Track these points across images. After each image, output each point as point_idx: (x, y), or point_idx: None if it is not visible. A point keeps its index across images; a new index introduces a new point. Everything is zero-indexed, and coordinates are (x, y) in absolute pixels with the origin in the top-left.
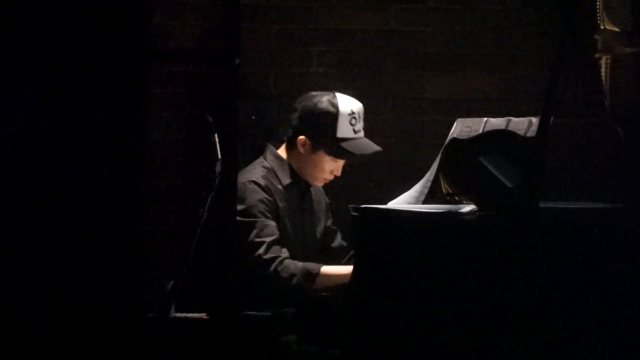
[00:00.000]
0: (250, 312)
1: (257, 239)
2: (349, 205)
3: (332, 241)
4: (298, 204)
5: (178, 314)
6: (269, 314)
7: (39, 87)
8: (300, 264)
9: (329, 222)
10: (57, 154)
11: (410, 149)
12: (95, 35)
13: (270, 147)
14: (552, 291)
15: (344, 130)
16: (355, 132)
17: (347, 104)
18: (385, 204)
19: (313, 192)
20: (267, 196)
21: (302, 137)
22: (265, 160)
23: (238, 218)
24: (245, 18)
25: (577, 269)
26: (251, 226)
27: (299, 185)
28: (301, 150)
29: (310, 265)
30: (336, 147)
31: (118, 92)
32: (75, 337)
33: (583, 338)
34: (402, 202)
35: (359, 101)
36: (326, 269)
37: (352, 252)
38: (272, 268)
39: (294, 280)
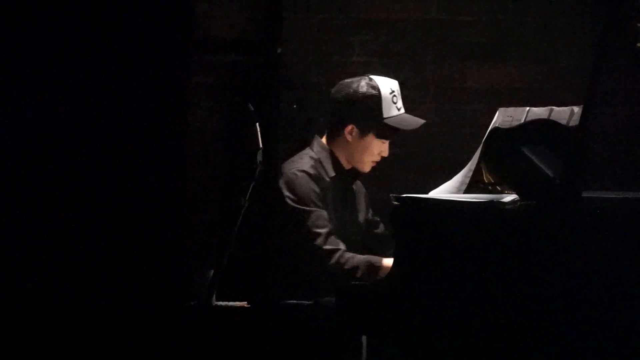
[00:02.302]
0: (291, 301)
1: (314, 229)
2: (391, 195)
3: (377, 228)
4: (342, 196)
5: (219, 303)
6: (310, 302)
7: (84, 77)
8: (362, 257)
9: (370, 214)
10: (101, 144)
11: (452, 138)
12: (138, 25)
13: (318, 139)
14: (595, 281)
15: (388, 110)
16: (397, 109)
17: (385, 84)
18: (427, 193)
19: (354, 185)
20: (318, 186)
21: (349, 125)
22: (313, 151)
23: (291, 204)
24: (286, 8)
25: (619, 258)
26: (306, 216)
27: (344, 177)
28: (349, 138)
29: (373, 258)
30: (384, 128)
31: (160, 82)
32: (119, 324)
33: (627, 325)
34: (444, 191)
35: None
36: (387, 261)
37: None
38: (333, 260)
39: (359, 274)
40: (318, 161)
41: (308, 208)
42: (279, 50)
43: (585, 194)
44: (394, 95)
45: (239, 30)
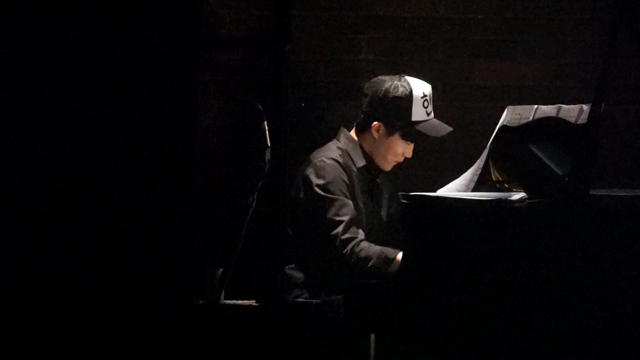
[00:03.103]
0: (299, 300)
1: (336, 218)
2: (399, 193)
3: (397, 223)
4: (368, 187)
5: (228, 301)
6: (318, 301)
7: (91, 75)
8: (378, 248)
9: (393, 208)
10: (110, 141)
11: (461, 136)
12: (147, 23)
13: (344, 130)
14: (604, 278)
15: (417, 113)
16: (427, 114)
17: (419, 87)
18: (435, 191)
19: (380, 179)
20: (346, 175)
21: (376, 122)
22: (339, 142)
23: (317, 191)
24: (295, 5)
25: (628, 256)
26: (330, 203)
27: (371, 169)
28: (375, 135)
29: (388, 250)
30: (411, 131)
31: (169, 80)
32: (127, 323)
33: (637, 321)
34: (452, 189)
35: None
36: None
37: None
38: (348, 248)
39: (370, 263)
40: (345, 152)
41: (333, 196)
42: (287, 48)
43: (593, 192)
44: (425, 100)
45: (247, 28)
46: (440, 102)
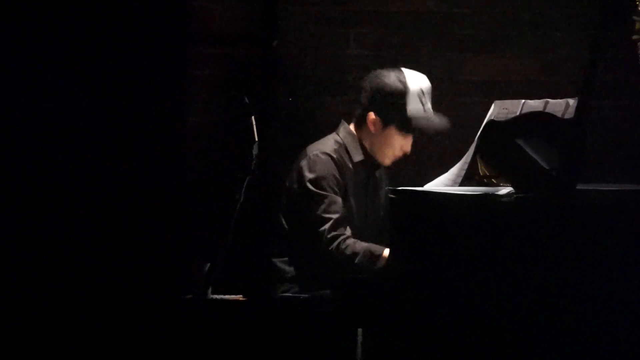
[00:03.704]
0: (286, 294)
1: (324, 215)
2: (387, 188)
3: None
4: (364, 182)
5: (215, 296)
6: (305, 295)
7: (79, 70)
8: (364, 244)
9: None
10: (98, 137)
11: (448, 130)
12: (135, 18)
13: (344, 124)
14: (591, 273)
15: (413, 107)
16: (424, 107)
17: (416, 81)
18: (423, 186)
19: (378, 174)
20: (338, 171)
21: (372, 115)
22: (339, 135)
23: (308, 186)
24: (282, 0)
25: (615, 251)
26: (319, 199)
27: (369, 163)
28: (372, 128)
29: (374, 247)
30: (407, 124)
31: (157, 75)
32: (114, 317)
33: (620, 318)
34: (439, 184)
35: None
36: (389, 251)
37: None
38: (334, 245)
39: (356, 260)
40: (343, 146)
41: (323, 192)
42: (275, 43)
43: (580, 187)
44: (422, 93)
45: (235, 23)
46: None
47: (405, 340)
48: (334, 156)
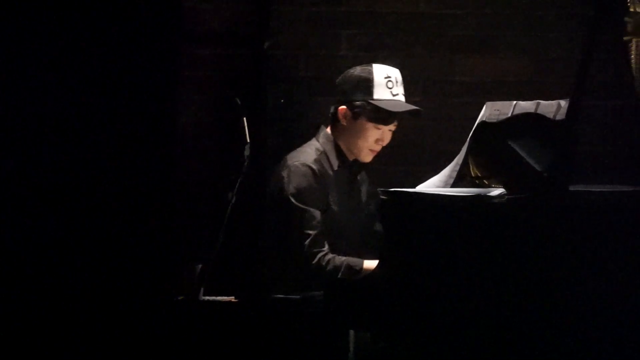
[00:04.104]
0: (278, 296)
1: (304, 230)
2: (378, 189)
3: (374, 225)
4: (346, 188)
5: (207, 297)
6: (297, 297)
7: (72, 71)
8: (342, 258)
9: (372, 206)
10: (90, 137)
11: (440, 131)
12: (127, 18)
13: (324, 129)
14: (582, 274)
15: (380, 92)
16: (393, 94)
17: (382, 68)
18: (415, 187)
19: (360, 177)
20: (318, 183)
21: (342, 107)
22: (318, 142)
23: (289, 199)
24: (275, 1)
25: (606, 252)
26: (299, 214)
27: (349, 168)
28: (343, 122)
29: (352, 261)
30: (375, 111)
31: (149, 76)
32: (106, 319)
33: (610, 319)
34: (431, 185)
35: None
36: (368, 263)
37: None
38: (315, 261)
39: (339, 275)
40: (323, 153)
41: (303, 206)
42: (267, 44)
43: (571, 188)
44: (389, 81)
45: (227, 23)
46: (420, 97)
47: (397, 342)
48: (314, 167)
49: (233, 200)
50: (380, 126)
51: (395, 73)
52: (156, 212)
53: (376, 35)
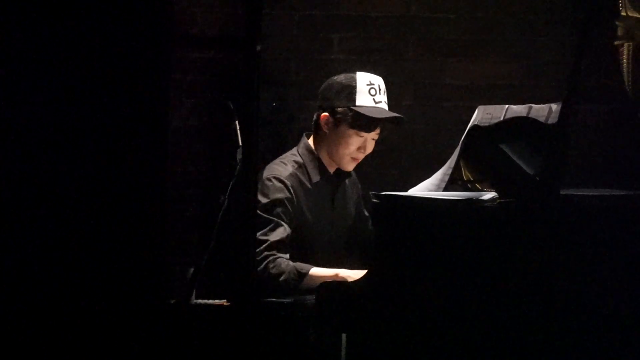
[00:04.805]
0: (271, 299)
1: (263, 237)
2: (370, 192)
3: (364, 230)
4: (328, 199)
5: (199, 301)
6: (289, 300)
7: (60, 73)
8: (291, 264)
9: (363, 212)
10: (80, 141)
11: (432, 135)
12: (118, 21)
13: (305, 139)
14: (573, 279)
15: (363, 99)
16: (375, 102)
17: (365, 76)
18: (407, 190)
19: (346, 186)
20: (290, 196)
21: (324, 114)
22: (298, 153)
23: (259, 209)
24: (266, 4)
25: (598, 256)
26: (265, 223)
27: (330, 180)
28: (325, 129)
29: (300, 265)
30: (357, 118)
31: (140, 79)
32: (98, 323)
33: (602, 323)
34: (423, 189)
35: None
36: (315, 270)
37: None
38: (262, 265)
39: (282, 278)
40: (302, 166)
41: (269, 217)
42: (258, 47)
43: (563, 192)
44: (372, 88)
45: (218, 26)
46: (411, 101)
47: (389, 346)
48: (288, 183)
49: (225, 204)
50: (362, 133)
51: (378, 81)
52: (147, 215)
53: (368, 38)
